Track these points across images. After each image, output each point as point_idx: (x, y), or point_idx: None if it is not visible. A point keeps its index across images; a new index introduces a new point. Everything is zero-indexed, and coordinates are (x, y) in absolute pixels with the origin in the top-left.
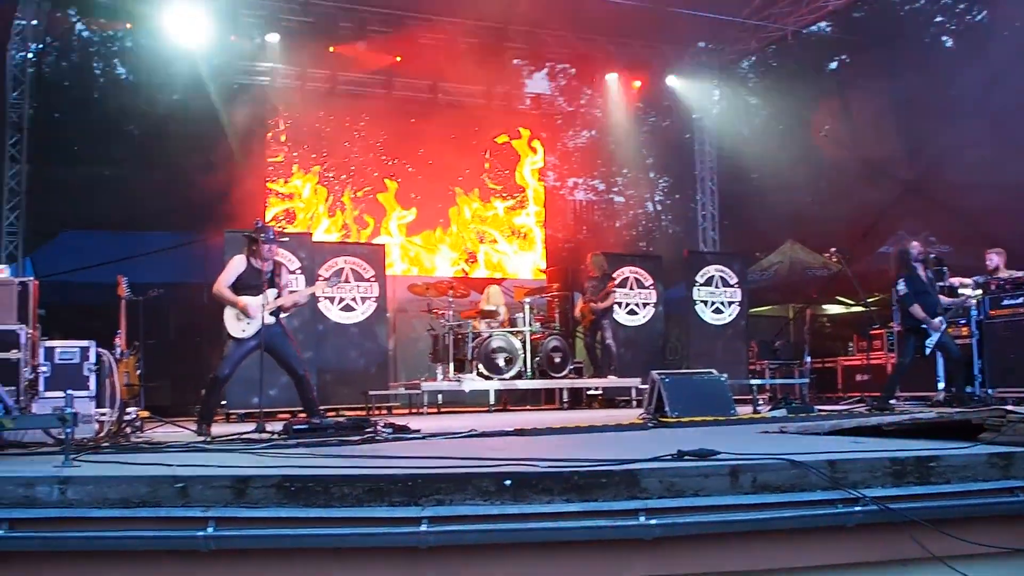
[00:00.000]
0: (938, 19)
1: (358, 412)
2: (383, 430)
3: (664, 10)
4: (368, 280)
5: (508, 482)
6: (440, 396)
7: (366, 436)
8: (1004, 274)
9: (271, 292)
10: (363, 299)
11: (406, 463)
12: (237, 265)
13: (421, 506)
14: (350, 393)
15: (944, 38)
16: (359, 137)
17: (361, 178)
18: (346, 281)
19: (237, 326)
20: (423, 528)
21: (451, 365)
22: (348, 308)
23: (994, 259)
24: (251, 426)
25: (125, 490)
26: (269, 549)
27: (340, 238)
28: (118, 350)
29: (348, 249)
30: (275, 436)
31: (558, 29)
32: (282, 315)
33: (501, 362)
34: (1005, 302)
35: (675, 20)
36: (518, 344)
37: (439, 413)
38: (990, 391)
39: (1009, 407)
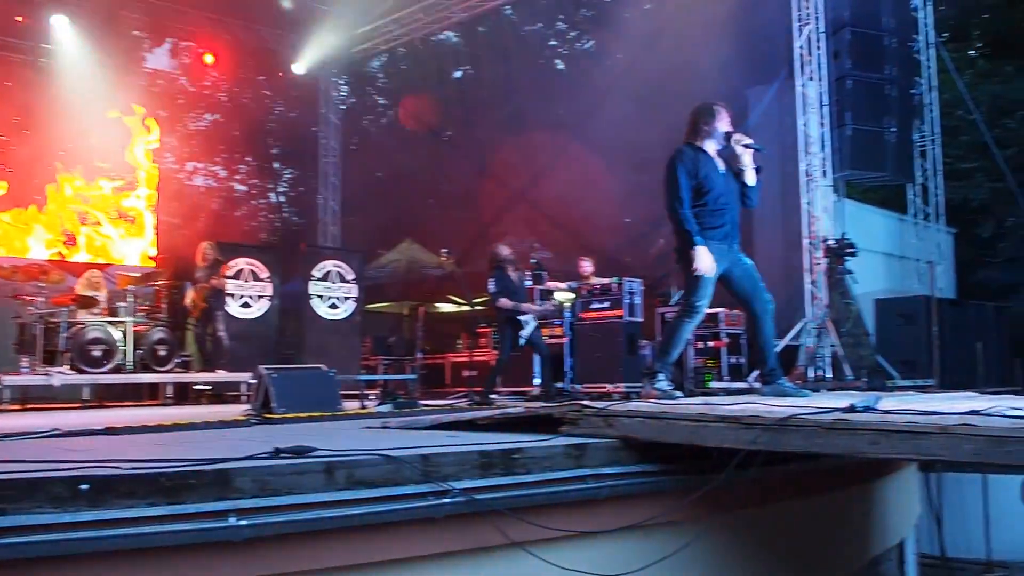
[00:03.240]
0: (552, 43)
1: None
2: None
3: None
4: None
5: (85, 487)
6: (26, 391)
7: None
8: (594, 280)
9: None
10: None
11: None
12: None
13: None
14: None
15: (556, 61)
16: None
17: None
18: None
19: None
20: None
21: (40, 357)
22: None
23: (586, 266)
24: None
25: None
26: None
27: None
28: None
29: None
30: None
31: (182, 4)
32: None
33: (98, 354)
34: (594, 306)
35: (304, 9)
36: (119, 335)
37: (23, 410)
38: (578, 387)
39: (585, 402)
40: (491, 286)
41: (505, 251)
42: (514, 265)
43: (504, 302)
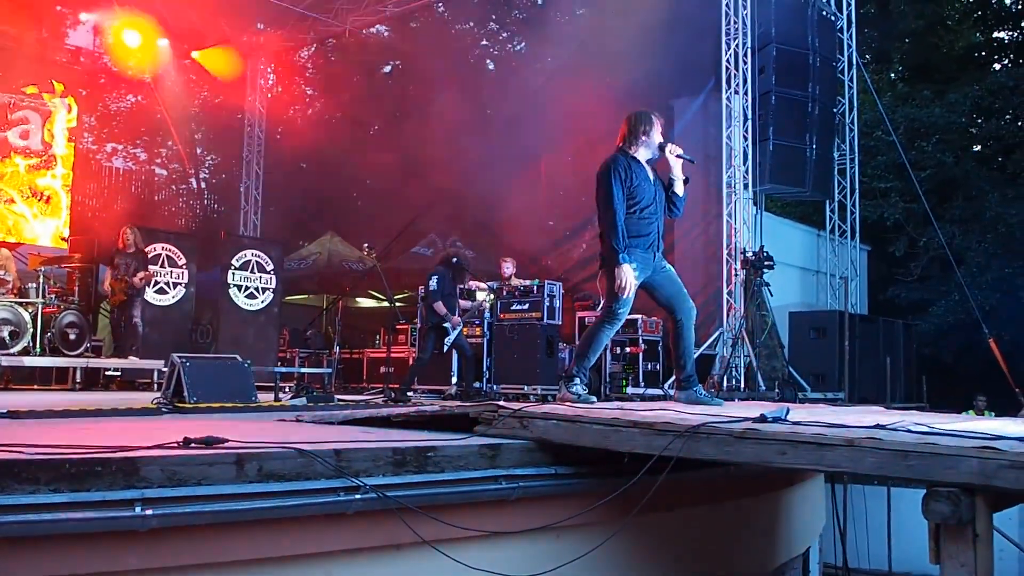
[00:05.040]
0: (483, 43)
1: None
2: None
3: None
4: None
5: None
6: None
7: None
8: (515, 282)
9: None
10: None
11: None
12: None
13: None
14: None
15: (488, 61)
16: None
17: None
18: None
19: None
20: None
21: None
22: None
23: (506, 267)
24: None
25: None
26: None
27: None
28: None
29: None
30: None
31: None
32: None
33: (5, 335)
34: (514, 307)
35: None
36: (27, 317)
37: None
38: (496, 387)
39: (501, 402)
40: (432, 284)
41: (464, 256)
42: (466, 274)
43: (439, 307)
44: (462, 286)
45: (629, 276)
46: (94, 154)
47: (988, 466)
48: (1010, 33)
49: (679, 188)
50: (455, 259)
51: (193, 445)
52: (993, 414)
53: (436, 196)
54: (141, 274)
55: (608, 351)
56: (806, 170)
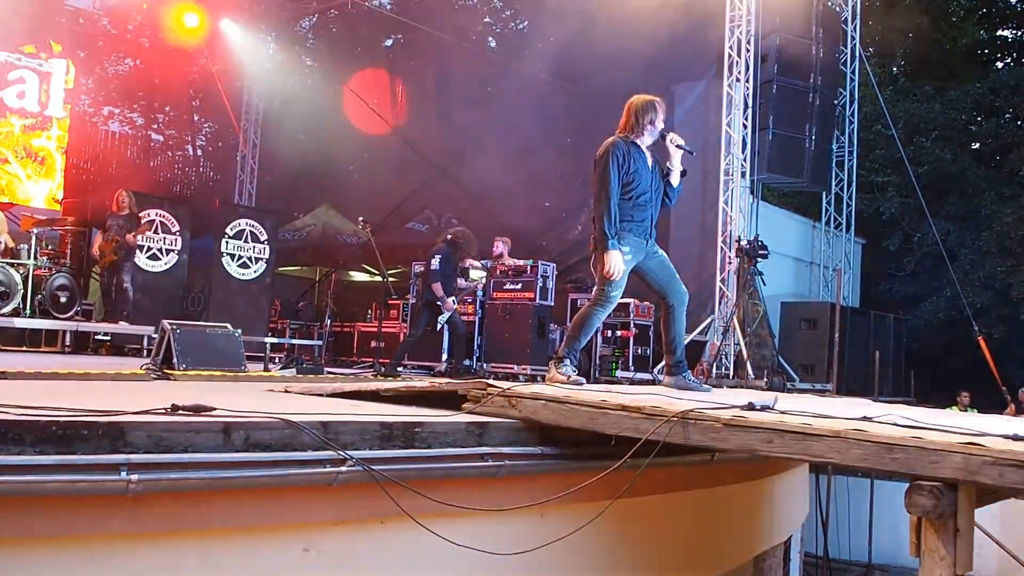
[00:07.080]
0: (487, 20)
1: None
2: None
3: None
4: None
5: None
6: None
7: None
8: (508, 261)
9: None
10: None
11: None
12: None
13: None
14: None
15: (489, 38)
16: None
17: None
18: None
19: None
20: None
21: None
22: None
23: (500, 246)
24: None
25: None
26: None
27: None
28: None
29: None
30: None
31: None
32: None
33: None
34: (506, 286)
35: None
36: (18, 278)
37: None
38: (485, 366)
39: (491, 381)
40: (435, 264)
41: (466, 237)
42: (468, 253)
43: (437, 288)
44: (462, 265)
45: (618, 262)
46: (90, 117)
47: (972, 462)
48: (1014, 32)
49: (675, 179)
50: (457, 238)
51: (180, 412)
52: (975, 410)
53: (433, 172)
54: (134, 233)
55: (599, 334)
56: (804, 161)
